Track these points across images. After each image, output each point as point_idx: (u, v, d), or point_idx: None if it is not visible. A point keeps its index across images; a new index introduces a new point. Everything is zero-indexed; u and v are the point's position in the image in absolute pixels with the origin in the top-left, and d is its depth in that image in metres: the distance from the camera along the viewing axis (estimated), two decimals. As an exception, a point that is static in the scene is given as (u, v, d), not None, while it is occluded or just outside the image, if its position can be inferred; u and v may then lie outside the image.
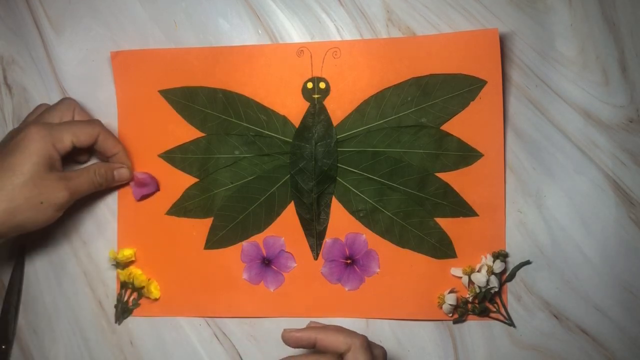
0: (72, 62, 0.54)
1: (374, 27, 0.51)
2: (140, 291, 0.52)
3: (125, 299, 0.53)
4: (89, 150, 0.52)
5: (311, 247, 0.51)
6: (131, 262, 0.53)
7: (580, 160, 0.49)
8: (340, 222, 0.51)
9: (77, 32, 0.54)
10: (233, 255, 0.52)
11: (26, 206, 0.45)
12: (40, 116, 0.49)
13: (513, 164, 0.50)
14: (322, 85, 0.51)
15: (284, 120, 0.51)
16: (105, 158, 0.52)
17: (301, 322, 0.50)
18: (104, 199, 0.53)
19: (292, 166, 0.51)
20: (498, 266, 0.48)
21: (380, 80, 0.50)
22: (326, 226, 0.51)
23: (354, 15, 0.51)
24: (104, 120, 0.52)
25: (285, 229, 0.51)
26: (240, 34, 0.52)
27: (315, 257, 0.51)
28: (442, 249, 0.50)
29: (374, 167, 0.50)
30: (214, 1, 0.52)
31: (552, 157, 0.50)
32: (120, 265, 0.52)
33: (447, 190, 0.50)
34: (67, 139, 0.47)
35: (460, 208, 0.50)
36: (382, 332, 0.51)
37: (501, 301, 0.50)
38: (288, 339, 0.41)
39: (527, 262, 0.50)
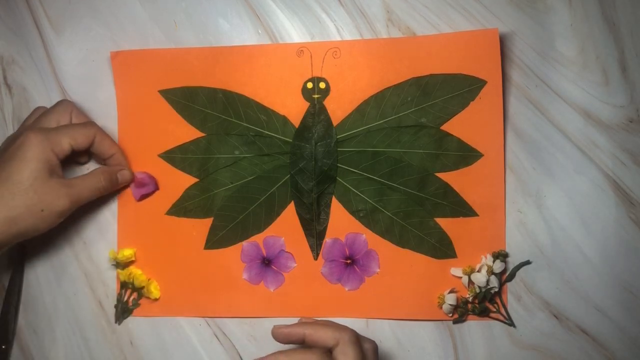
0: (72, 62, 0.54)
1: (374, 27, 0.51)
2: (140, 291, 0.52)
3: (125, 299, 0.53)
4: (88, 152, 0.52)
5: (311, 247, 0.51)
6: (131, 262, 0.53)
7: (580, 160, 0.49)
8: (340, 222, 0.51)
9: (77, 32, 0.54)
10: (233, 255, 0.52)
11: (27, 214, 0.45)
12: (37, 120, 0.49)
13: (513, 164, 0.50)
14: (322, 85, 0.51)
15: (284, 120, 0.51)
16: (101, 160, 0.52)
17: (301, 322, 0.50)
18: (103, 199, 0.53)
19: (292, 166, 0.51)
20: (498, 266, 0.48)
21: (380, 80, 0.50)
22: (326, 226, 0.51)
23: (354, 15, 0.51)
24: (104, 121, 0.53)
25: (285, 229, 0.51)
26: (240, 34, 0.52)
27: (315, 257, 0.51)
28: (442, 249, 0.50)
29: (374, 167, 0.50)
30: (214, 1, 0.52)
31: (552, 157, 0.50)
32: (120, 265, 0.52)
33: (447, 190, 0.50)
34: (65, 143, 0.47)
35: (460, 208, 0.50)
36: (382, 332, 0.51)
37: (501, 301, 0.50)
38: (277, 335, 0.42)
39: (527, 262, 0.50)
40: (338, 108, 0.51)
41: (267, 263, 0.52)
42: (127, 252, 0.52)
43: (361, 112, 0.50)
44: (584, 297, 0.49)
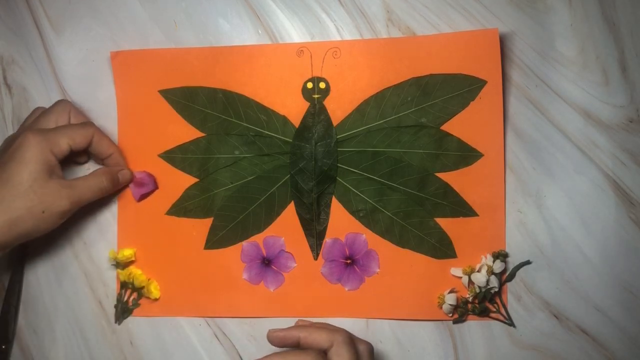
0: (72, 62, 0.54)
1: (374, 27, 0.51)
2: (140, 291, 0.52)
3: (125, 299, 0.53)
4: (87, 152, 0.52)
5: (311, 247, 0.51)
6: (131, 262, 0.53)
7: (580, 160, 0.49)
8: (340, 222, 0.51)
9: (77, 32, 0.54)
10: (233, 255, 0.52)
11: (28, 216, 0.45)
12: (36, 120, 0.49)
13: (513, 164, 0.50)
14: (322, 85, 0.51)
15: (284, 120, 0.51)
16: (100, 160, 0.52)
17: (301, 322, 0.50)
18: (103, 199, 0.53)
19: (292, 166, 0.51)
20: (498, 266, 0.48)
21: (380, 80, 0.50)
22: (326, 226, 0.51)
23: (354, 15, 0.51)
24: (103, 121, 0.53)
25: (285, 229, 0.51)
26: (240, 34, 0.52)
27: (315, 257, 0.51)
28: (442, 249, 0.50)
29: (374, 167, 0.50)
30: (214, 1, 0.52)
31: (552, 157, 0.50)
32: (120, 265, 0.52)
33: (447, 190, 0.50)
34: (64, 143, 0.47)
35: (460, 208, 0.50)
36: (382, 332, 0.51)
37: (501, 301, 0.50)
38: (273, 339, 0.42)
39: (527, 262, 0.50)
40: (338, 108, 0.51)
41: (267, 263, 0.52)
42: (127, 252, 0.52)
43: (361, 112, 0.50)
44: (584, 297, 0.49)
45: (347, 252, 0.51)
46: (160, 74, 0.52)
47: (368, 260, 0.51)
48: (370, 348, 0.43)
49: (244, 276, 0.52)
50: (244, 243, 0.52)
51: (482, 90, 0.49)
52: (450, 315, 0.50)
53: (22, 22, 0.54)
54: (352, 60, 0.50)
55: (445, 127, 0.50)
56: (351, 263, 0.51)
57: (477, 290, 0.48)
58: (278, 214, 0.51)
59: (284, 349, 0.44)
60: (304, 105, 0.51)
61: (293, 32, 0.52)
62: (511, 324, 0.50)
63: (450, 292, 0.49)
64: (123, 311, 0.52)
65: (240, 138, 0.51)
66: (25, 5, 0.54)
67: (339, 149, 0.51)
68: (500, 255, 0.49)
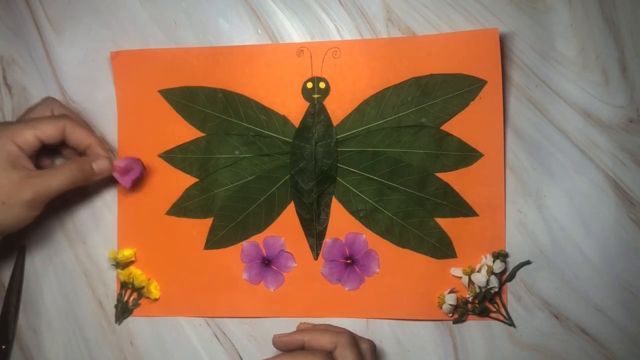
0: (72, 62, 0.54)
1: (374, 27, 0.51)
2: (140, 291, 0.52)
3: (125, 299, 0.53)
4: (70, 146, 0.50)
5: (311, 247, 0.51)
6: (131, 262, 0.53)
7: (580, 160, 0.49)
8: (340, 222, 0.51)
9: (77, 32, 0.54)
10: (233, 255, 0.52)
11: None
12: (19, 118, 0.49)
13: (513, 164, 0.50)
14: (322, 85, 0.51)
15: (284, 120, 0.51)
16: (79, 152, 0.50)
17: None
18: (103, 199, 0.53)
19: (292, 166, 0.51)
20: (498, 266, 0.48)
21: (380, 80, 0.50)
22: (326, 226, 0.51)
23: (354, 15, 0.51)
24: (103, 121, 0.53)
25: (285, 229, 0.51)
26: (240, 34, 0.52)
27: (315, 257, 0.51)
28: (442, 249, 0.50)
29: (374, 167, 0.50)
30: (214, 1, 0.52)
31: (552, 157, 0.50)
32: (120, 265, 0.52)
33: (447, 190, 0.50)
34: (29, 134, 0.46)
35: (460, 208, 0.50)
36: (382, 332, 0.51)
37: (501, 301, 0.50)
38: (278, 344, 0.44)
39: (527, 262, 0.50)
40: (338, 108, 0.51)
41: (267, 263, 0.52)
42: (127, 252, 0.52)
43: (361, 112, 0.50)
44: (584, 297, 0.49)
45: (347, 252, 0.51)
46: (160, 74, 0.52)
47: (368, 260, 0.51)
48: (373, 346, 0.44)
49: (244, 276, 0.52)
50: (244, 243, 0.52)
51: (482, 90, 0.49)
52: (450, 315, 0.50)
53: (22, 22, 0.54)
54: (352, 60, 0.50)
55: (445, 127, 0.50)
56: (351, 263, 0.51)
57: (477, 290, 0.48)
58: (278, 214, 0.51)
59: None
60: (304, 105, 0.51)
61: (293, 32, 0.52)
62: (511, 324, 0.50)
63: (450, 292, 0.49)
64: (123, 311, 0.52)
65: (240, 138, 0.51)
66: (25, 5, 0.54)
67: (339, 149, 0.51)
68: (500, 255, 0.49)
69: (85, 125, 0.51)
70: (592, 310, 0.49)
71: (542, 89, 0.50)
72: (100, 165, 0.49)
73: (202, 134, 0.52)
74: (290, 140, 0.51)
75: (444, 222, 0.50)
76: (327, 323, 0.48)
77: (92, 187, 0.53)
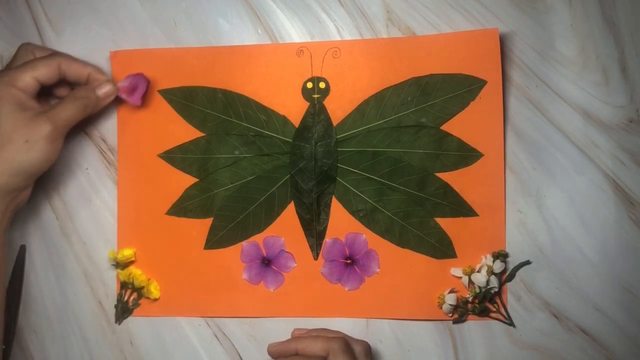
0: (72, 62, 0.54)
1: (374, 27, 0.51)
2: (140, 291, 0.52)
3: (125, 299, 0.53)
4: (70, 85, 0.51)
5: (311, 247, 0.51)
6: (131, 262, 0.53)
7: (580, 160, 0.49)
8: (340, 222, 0.51)
9: (77, 32, 0.54)
10: (233, 255, 0.52)
11: (13, 150, 0.45)
12: (2, 72, 0.49)
13: (513, 164, 0.50)
14: (322, 85, 0.51)
15: (284, 120, 0.51)
16: (82, 85, 0.50)
17: (301, 322, 0.50)
18: (103, 199, 0.53)
19: (292, 166, 0.51)
20: (498, 266, 0.48)
21: (380, 80, 0.50)
22: (326, 226, 0.51)
23: (354, 15, 0.51)
24: (103, 121, 0.53)
25: (285, 229, 0.51)
26: (240, 34, 0.52)
27: (315, 257, 0.51)
28: (442, 249, 0.50)
29: (374, 167, 0.50)
30: (214, 1, 0.52)
31: (552, 157, 0.50)
32: (120, 265, 0.52)
33: (447, 190, 0.50)
34: (27, 76, 0.46)
35: (460, 208, 0.50)
36: (382, 332, 0.51)
37: (501, 301, 0.50)
38: (272, 353, 0.45)
39: (527, 262, 0.50)
40: (338, 108, 0.51)
41: (267, 263, 0.52)
42: (127, 252, 0.52)
43: (361, 112, 0.50)
44: (584, 297, 0.49)
45: (347, 252, 0.51)
46: (160, 73, 0.52)
47: (368, 260, 0.51)
48: (367, 347, 0.44)
49: (244, 276, 0.52)
50: (244, 243, 0.52)
51: (482, 90, 0.49)
52: (450, 315, 0.50)
53: (22, 22, 0.54)
54: (352, 60, 0.50)
55: (445, 127, 0.50)
56: (351, 263, 0.51)
57: (477, 290, 0.48)
58: (278, 214, 0.51)
59: None
60: (304, 105, 0.51)
61: (293, 32, 0.52)
62: (511, 323, 0.50)
63: (450, 292, 0.49)
64: (123, 311, 0.52)
65: (240, 138, 0.51)
66: (25, 5, 0.54)
67: (338, 149, 0.51)
68: (500, 255, 0.49)
69: (77, 58, 0.51)
70: (592, 310, 0.49)
71: (542, 89, 0.50)
72: (104, 90, 0.49)
73: (202, 134, 0.52)
74: (290, 140, 0.51)
75: (444, 222, 0.50)
76: (323, 327, 0.48)
77: (92, 187, 0.53)
